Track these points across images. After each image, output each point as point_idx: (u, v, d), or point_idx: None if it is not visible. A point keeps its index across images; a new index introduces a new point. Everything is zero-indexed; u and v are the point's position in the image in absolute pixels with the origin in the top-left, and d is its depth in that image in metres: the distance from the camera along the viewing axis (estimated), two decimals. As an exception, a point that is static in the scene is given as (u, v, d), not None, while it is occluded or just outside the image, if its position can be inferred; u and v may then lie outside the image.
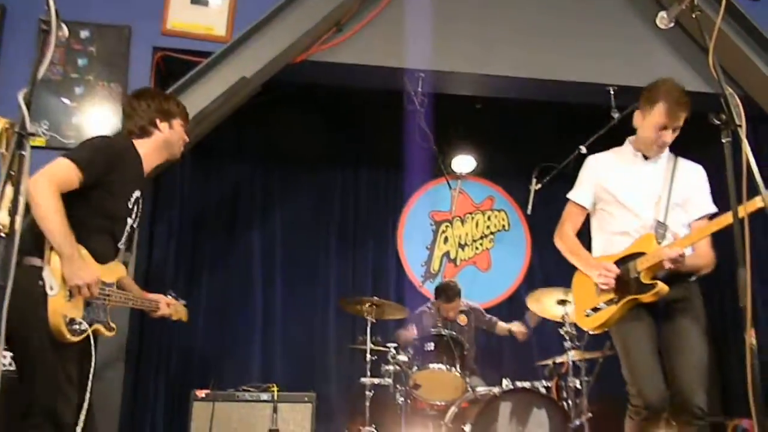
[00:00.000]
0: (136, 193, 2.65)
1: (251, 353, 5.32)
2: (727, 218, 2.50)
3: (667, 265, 2.72)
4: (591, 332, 3.04)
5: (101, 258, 2.49)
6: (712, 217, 2.88)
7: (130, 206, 2.61)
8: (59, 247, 2.25)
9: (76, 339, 2.30)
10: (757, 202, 2.13)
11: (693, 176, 3.03)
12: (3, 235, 1.57)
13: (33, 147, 1.66)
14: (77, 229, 2.36)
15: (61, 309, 2.25)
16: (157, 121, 2.70)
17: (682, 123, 2.92)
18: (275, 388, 3.93)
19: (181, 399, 4.61)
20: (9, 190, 1.56)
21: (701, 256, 2.89)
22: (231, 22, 4.06)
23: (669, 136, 2.93)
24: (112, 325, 2.56)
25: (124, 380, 3.80)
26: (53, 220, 2.24)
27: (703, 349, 2.81)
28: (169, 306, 2.94)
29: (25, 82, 1.65)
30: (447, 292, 4.94)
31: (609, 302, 2.87)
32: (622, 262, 2.88)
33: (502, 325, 5.08)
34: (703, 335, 2.85)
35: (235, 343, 5.26)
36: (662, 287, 2.73)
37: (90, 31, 3.91)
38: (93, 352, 2.32)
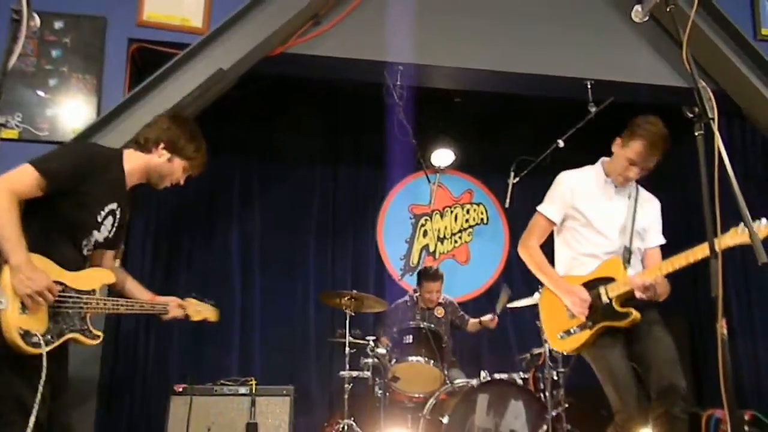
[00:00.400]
0: (111, 206, 2.55)
1: (230, 347, 5.29)
2: (703, 250, 2.76)
3: (639, 294, 2.84)
4: (565, 353, 3.12)
5: (72, 266, 2.43)
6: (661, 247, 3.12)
7: (100, 219, 2.52)
8: (6, 255, 2.17)
9: (37, 351, 2.19)
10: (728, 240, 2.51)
11: (653, 207, 3.23)
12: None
13: (5, 140, 1.64)
14: (41, 237, 2.33)
15: (15, 322, 2.17)
16: (161, 145, 2.62)
17: (652, 166, 3.04)
18: (254, 382, 3.92)
19: (158, 393, 4.59)
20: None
21: (663, 284, 2.97)
22: (207, 13, 4.01)
23: (634, 174, 3.04)
24: (96, 332, 2.47)
25: (100, 374, 3.76)
26: (2, 227, 2.18)
27: (674, 347, 2.95)
28: (181, 308, 2.84)
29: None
30: (429, 272, 5.00)
31: (582, 326, 2.93)
32: (590, 285, 2.96)
33: (472, 322, 5.08)
34: (668, 334, 3.00)
35: (214, 337, 5.22)
36: (636, 315, 2.84)
37: (64, 21, 3.85)
38: (43, 365, 2.16)
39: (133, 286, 2.77)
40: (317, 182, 5.93)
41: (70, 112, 3.76)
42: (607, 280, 2.94)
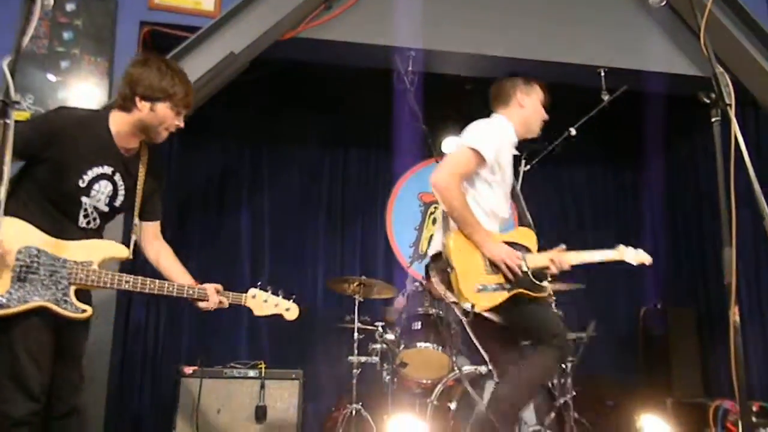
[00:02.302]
0: (99, 170, 2.44)
1: (239, 332, 5.32)
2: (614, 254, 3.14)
3: (554, 270, 2.89)
4: (475, 309, 2.74)
5: (63, 235, 2.37)
6: None
7: (83, 184, 2.41)
8: None
9: None
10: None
11: None
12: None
13: (17, 121, 1.64)
14: (26, 204, 2.31)
15: None
16: (137, 99, 2.45)
17: None
18: (263, 366, 3.94)
19: (168, 376, 4.62)
20: (-7, 160, 1.54)
21: None
22: (219, -4, 4.01)
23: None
24: (80, 306, 2.36)
25: (111, 357, 3.79)
26: None
27: None
28: (221, 296, 2.65)
29: (9, 52, 1.63)
30: None
31: (500, 287, 2.79)
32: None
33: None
34: None
35: (223, 321, 5.24)
36: (549, 290, 2.90)
37: (76, 4, 3.85)
38: None
39: (170, 267, 2.68)
40: (327, 168, 5.92)
41: (82, 94, 3.77)
42: (523, 248, 2.90)
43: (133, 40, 3.89)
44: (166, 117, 2.51)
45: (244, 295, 2.76)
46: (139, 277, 2.49)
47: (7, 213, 2.20)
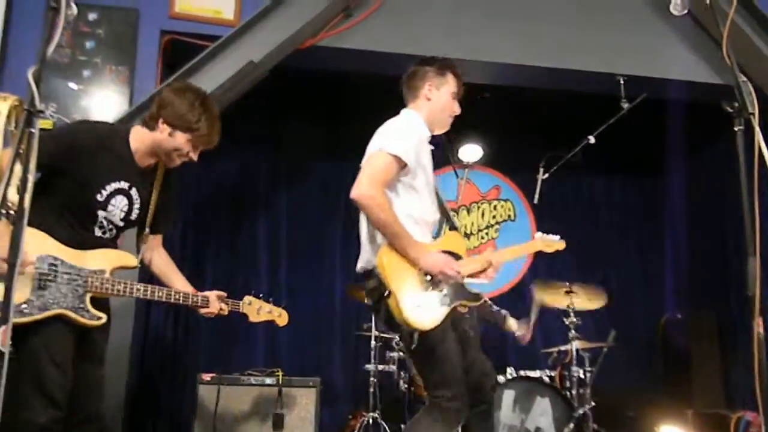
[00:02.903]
0: (117, 185, 2.50)
1: (256, 339, 5.33)
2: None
3: (489, 277, 2.74)
4: (412, 328, 2.49)
5: (80, 245, 2.42)
6: None
7: (101, 198, 2.46)
8: None
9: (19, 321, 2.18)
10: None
11: None
12: (12, 212, 1.55)
13: (42, 129, 1.66)
14: (46, 215, 2.34)
15: None
16: (160, 121, 2.52)
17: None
18: (280, 373, 3.94)
19: (186, 382, 4.64)
20: (18, 168, 1.56)
21: None
22: (239, 5, 4.04)
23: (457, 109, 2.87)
24: (96, 314, 2.41)
25: (129, 364, 3.81)
26: None
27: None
28: (222, 303, 2.71)
29: (34, 61, 1.65)
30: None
31: (441, 301, 2.55)
32: None
33: (510, 323, 4.90)
34: None
35: (241, 328, 5.26)
36: (485, 299, 2.70)
37: (98, 13, 3.90)
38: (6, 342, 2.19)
39: (170, 275, 2.73)
40: (345, 176, 5.91)
41: (103, 103, 3.81)
42: (453, 256, 2.65)
43: (154, 49, 3.93)
44: (182, 146, 2.56)
45: (241, 302, 2.84)
46: (149, 285, 2.56)
47: (33, 222, 2.21)
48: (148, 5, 3.96)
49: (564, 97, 4.95)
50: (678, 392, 5.25)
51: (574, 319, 4.11)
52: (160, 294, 2.58)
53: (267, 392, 3.90)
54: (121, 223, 2.58)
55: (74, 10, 1.79)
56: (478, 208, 6.17)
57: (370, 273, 2.63)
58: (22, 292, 2.26)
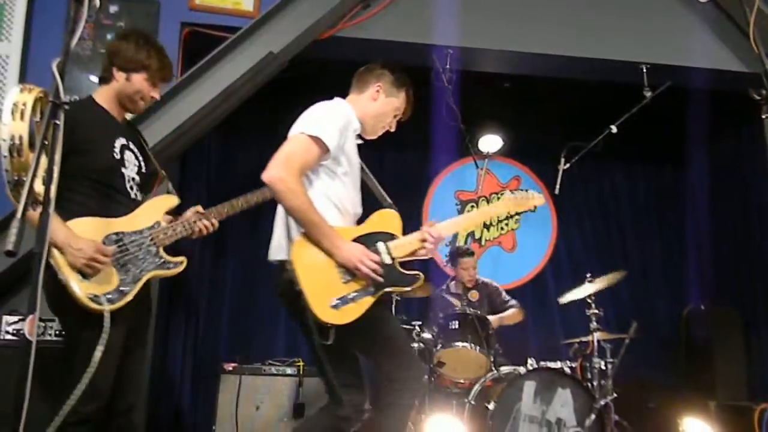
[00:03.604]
0: (119, 141, 2.56)
1: (277, 330, 5.35)
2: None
3: (428, 251, 2.58)
4: (339, 323, 2.34)
5: (123, 213, 2.47)
6: None
7: (117, 156, 2.52)
8: (51, 236, 2.12)
9: (114, 306, 2.29)
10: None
11: None
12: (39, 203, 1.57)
13: (64, 122, 1.67)
14: (84, 201, 2.39)
15: (83, 292, 2.25)
16: (114, 70, 2.56)
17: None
18: (301, 363, 3.96)
19: (208, 372, 4.68)
20: (43, 160, 1.57)
21: None
22: (259, -4, 4.05)
23: (394, 126, 2.86)
24: (175, 260, 2.53)
25: (153, 353, 3.86)
26: None
27: None
28: (200, 214, 2.68)
29: (57, 53, 1.66)
30: (461, 249, 5.05)
31: (363, 292, 2.39)
32: (360, 241, 2.47)
33: (509, 313, 4.83)
34: None
35: (262, 319, 5.30)
36: (422, 278, 2.51)
37: (119, 6, 3.93)
38: (106, 325, 2.23)
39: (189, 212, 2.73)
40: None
41: (125, 95, 3.83)
42: (385, 236, 2.52)
43: (174, 40, 3.94)
44: (141, 88, 2.59)
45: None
46: (196, 213, 2.66)
47: (75, 214, 2.35)
48: (169, -3, 3.98)
49: (585, 86, 4.90)
50: (700, 384, 5.21)
51: (596, 310, 4.08)
52: (178, 231, 2.57)
53: (287, 382, 3.92)
54: (138, 178, 2.63)
55: (97, 1, 1.80)
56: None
57: (282, 266, 2.45)
58: (109, 280, 2.33)
